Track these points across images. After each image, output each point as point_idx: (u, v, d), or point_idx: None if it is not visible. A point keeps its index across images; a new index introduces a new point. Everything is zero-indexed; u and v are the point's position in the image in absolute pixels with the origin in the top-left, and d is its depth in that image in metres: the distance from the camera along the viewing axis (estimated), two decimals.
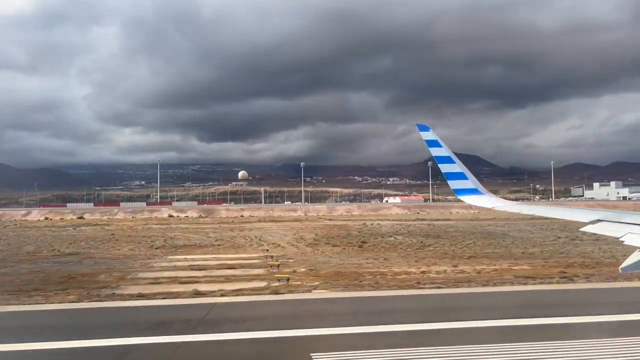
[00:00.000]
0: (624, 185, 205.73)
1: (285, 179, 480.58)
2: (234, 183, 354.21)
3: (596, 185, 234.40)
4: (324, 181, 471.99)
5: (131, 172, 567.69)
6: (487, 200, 10.38)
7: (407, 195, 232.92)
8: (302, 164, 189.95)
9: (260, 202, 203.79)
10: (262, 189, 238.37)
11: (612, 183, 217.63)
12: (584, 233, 8.68)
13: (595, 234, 8.48)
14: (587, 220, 8.50)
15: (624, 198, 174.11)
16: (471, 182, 10.48)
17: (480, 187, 10.56)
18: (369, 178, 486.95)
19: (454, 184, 10.59)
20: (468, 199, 10.56)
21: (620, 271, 6.98)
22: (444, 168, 10.64)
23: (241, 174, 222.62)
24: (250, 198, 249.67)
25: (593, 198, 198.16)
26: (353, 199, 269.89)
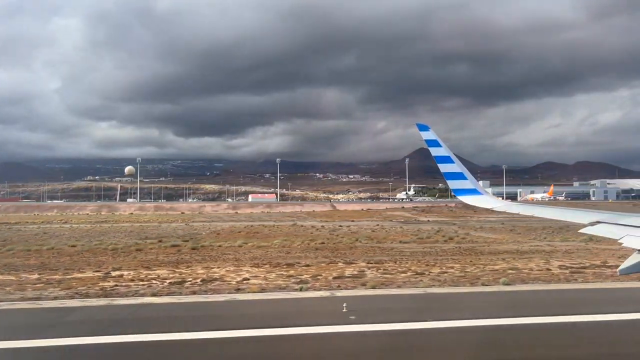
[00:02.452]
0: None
1: (266, 175, 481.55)
2: (117, 179, 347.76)
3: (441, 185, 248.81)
4: (282, 178, 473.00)
5: (109, 167, 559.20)
6: (485, 201, 10.49)
7: (264, 193, 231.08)
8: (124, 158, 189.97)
9: (115, 199, 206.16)
10: (119, 185, 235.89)
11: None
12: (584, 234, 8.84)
13: (593, 235, 8.63)
14: (586, 222, 8.61)
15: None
16: (470, 182, 10.60)
17: (479, 188, 10.69)
18: (330, 175, 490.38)
19: (452, 184, 10.69)
20: (467, 199, 10.67)
21: (618, 273, 7.10)
22: (443, 168, 10.71)
23: (128, 169, 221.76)
24: (104, 195, 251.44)
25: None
26: (217, 196, 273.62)
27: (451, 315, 13.02)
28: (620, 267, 7.00)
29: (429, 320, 12.26)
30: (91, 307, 14.81)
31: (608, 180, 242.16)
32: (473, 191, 10.61)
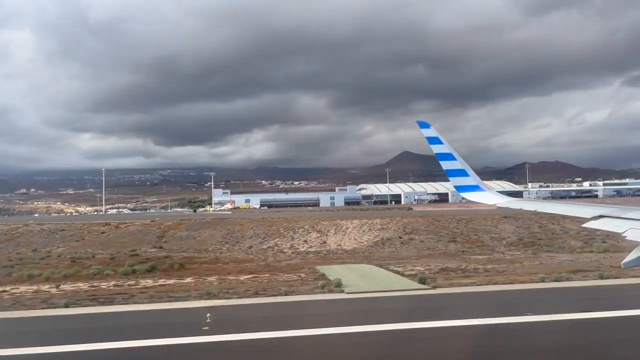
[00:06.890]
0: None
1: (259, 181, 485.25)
2: None
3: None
4: (228, 184, 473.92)
5: (96, 179, 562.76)
6: (488, 197, 10.53)
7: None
8: None
9: None
10: None
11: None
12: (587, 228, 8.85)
13: (596, 229, 8.65)
14: (589, 216, 8.65)
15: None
16: (472, 179, 10.69)
17: (482, 184, 10.75)
18: (279, 181, 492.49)
19: (455, 181, 10.77)
20: (469, 196, 10.76)
21: (622, 266, 7.13)
22: (445, 165, 10.80)
23: None
24: None
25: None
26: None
27: None
28: (624, 261, 7.05)
29: None
30: None
31: (364, 186, 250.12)
32: (475, 187, 10.70)
